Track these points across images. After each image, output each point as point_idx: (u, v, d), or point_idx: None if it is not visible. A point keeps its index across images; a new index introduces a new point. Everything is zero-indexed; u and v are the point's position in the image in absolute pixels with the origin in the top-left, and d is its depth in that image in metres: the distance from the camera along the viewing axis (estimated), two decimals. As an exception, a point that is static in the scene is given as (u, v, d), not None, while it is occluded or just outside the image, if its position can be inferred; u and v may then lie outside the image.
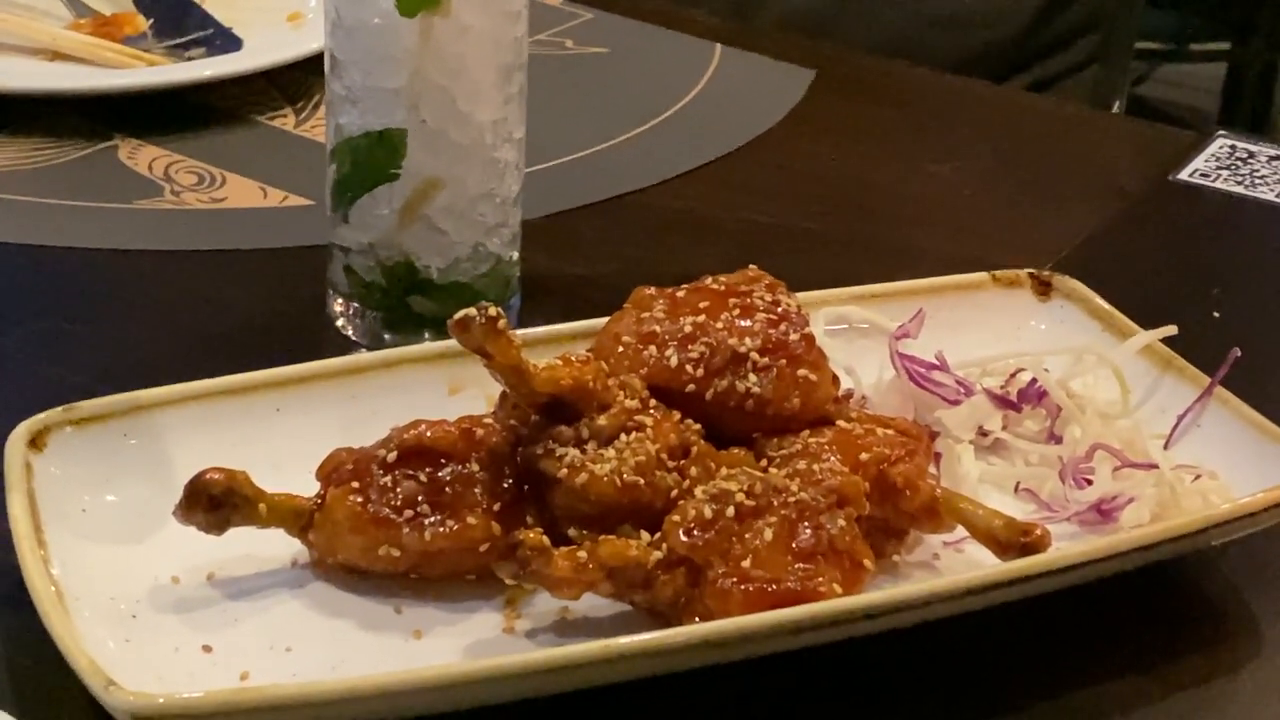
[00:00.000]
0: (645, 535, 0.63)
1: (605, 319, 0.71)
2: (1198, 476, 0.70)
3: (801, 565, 0.62)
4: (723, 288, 0.71)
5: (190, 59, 1.09)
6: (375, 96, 0.77)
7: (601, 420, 0.65)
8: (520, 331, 0.67)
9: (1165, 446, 0.72)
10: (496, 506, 0.64)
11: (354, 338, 0.81)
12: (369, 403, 0.71)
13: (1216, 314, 0.88)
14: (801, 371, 0.68)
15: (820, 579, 0.61)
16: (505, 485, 0.65)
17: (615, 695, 0.59)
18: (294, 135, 1.03)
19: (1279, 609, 0.69)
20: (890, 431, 0.68)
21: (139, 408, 0.68)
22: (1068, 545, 0.66)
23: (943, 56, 1.34)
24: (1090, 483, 0.70)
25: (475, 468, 0.65)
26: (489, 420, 0.67)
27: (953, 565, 0.67)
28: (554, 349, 0.70)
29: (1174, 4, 2.28)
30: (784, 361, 0.68)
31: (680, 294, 0.71)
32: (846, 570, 0.63)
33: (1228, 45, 2.26)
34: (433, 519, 0.64)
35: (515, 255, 0.82)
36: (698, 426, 0.67)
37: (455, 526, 0.64)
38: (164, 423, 0.68)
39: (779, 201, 0.99)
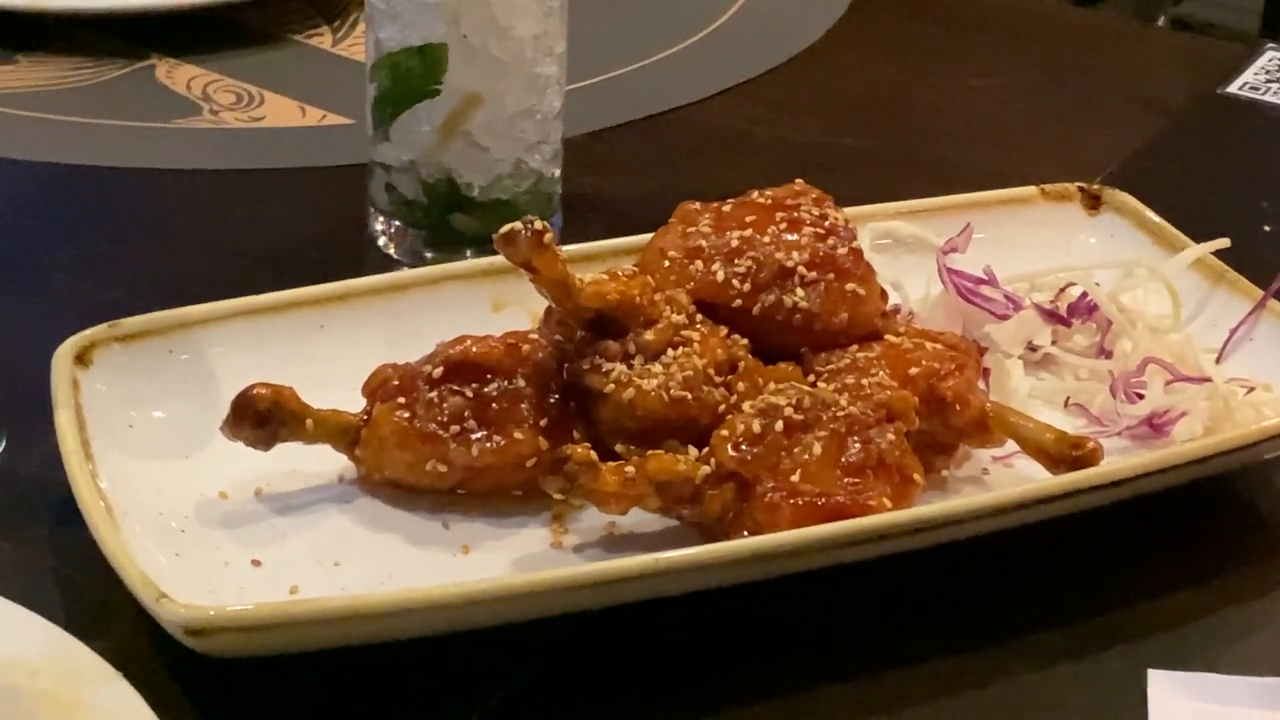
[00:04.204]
0: (693, 450, 0.63)
1: (649, 235, 0.71)
2: (1251, 390, 0.70)
3: (850, 479, 0.62)
4: (769, 202, 0.70)
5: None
6: (415, 10, 0.76)
7: (648, 335, 0.65)
8: (564, 248, 0.66)
9: (1217, 360, 0.72)
10: (543, 422, 0.64)
11: (396, 256, 0.81)
12: (413, 320, 0.71)
13: (1267, 227, 0.88)
14: (850, 286, 0.68)
15: (869, 493, 0.61)
16: (551, 400, 0.65)
17: (663, 610, 0.59)
18: (331, 54, 1.02)
19: (1332, 523, 0.69)
20: (939, 346, 0.68)
21: (184, 324, 0.68)
22: (1119, 459, 0.66)
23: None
24: (1141, 397, 0.70)
25: (521, 383, 0.65)
26: (534, 336, 0.67)
27: (1002, 480, 0.67)
28: (597, 265, 0.69)
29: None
30: (832, 275, 0.67)
31: (726, 208, 0.70)
32: (896, 485, 0.62)
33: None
34: (479, 434, 0.64)
35: (557, 173, 0.82)
36: (745, 341, 0.67)
37: (502, 442, 0.64)
38: (209, 339, 0.68)
39: (821, 118, 0.98)
